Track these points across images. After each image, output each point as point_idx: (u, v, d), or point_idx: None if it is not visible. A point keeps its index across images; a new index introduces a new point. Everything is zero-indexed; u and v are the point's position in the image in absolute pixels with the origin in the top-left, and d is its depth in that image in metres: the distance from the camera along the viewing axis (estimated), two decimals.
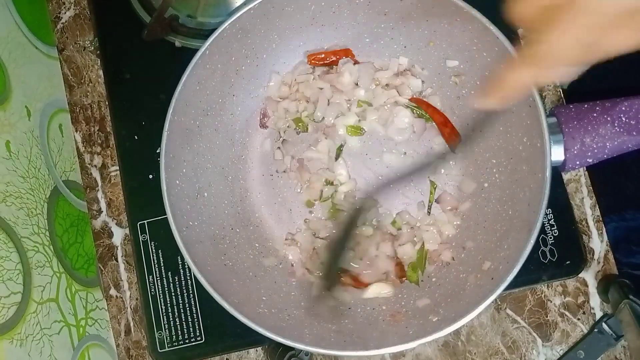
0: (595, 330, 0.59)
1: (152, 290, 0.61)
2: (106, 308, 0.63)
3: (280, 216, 0.60)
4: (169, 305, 0.61)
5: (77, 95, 0.67)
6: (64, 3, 0.70)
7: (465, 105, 0.58)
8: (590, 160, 0.52)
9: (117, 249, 0.64)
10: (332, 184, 0.60)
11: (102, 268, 0.64)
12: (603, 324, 0.58)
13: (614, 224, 0.64)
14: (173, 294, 0.61)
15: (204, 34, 0.63)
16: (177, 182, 0.53)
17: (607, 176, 0.64)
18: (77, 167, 0.66)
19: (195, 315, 0.60)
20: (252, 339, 0.59)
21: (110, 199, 0.65)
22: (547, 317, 0.60)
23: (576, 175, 0.63)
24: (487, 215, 0.55)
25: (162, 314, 0.61)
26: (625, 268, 0.62)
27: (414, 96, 0.60)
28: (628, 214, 0.66)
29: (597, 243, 0.61)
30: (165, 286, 0.61)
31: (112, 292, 0.63)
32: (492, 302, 0.48)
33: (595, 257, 0.61)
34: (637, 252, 0.64)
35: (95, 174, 0.66)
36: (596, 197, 0.62)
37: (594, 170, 0.63)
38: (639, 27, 0.30)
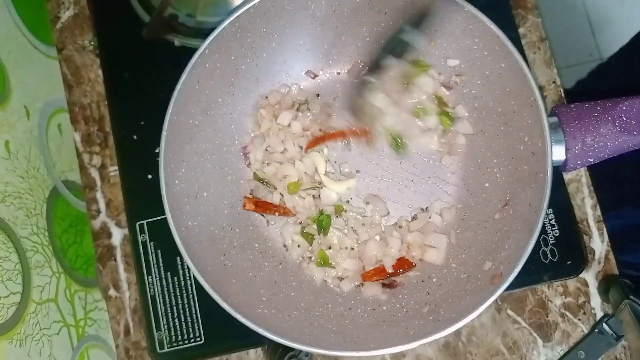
0: (596, 330, 0.59)
1: (152, 290, 0.61)
2: (105, 308, 0.63)
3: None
4: (168, 305, 0.61)
5: (76, 95, 0.67)
6: (63, 3, 0.69)
7: (466, 105, 0.58)
8: (592, 160, 0.52)
9: (116, 249, 0.64)
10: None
11: (101, 268, 0.64)
12: (603, 324, 0.58)
13: (610, 222, 0.64)
14: (172, 294, 0.61)
15: (204, 33, 0.63)
16: (177, 182, 0.53)
17: (604, 174, 0.64)
18: (76, 167, 0.66)
19: (194, 315, 0.60)
20: (252, 339, 0.59)
21: (109, 199, 0.65)
22: (547, 317, 0.60)
23: (577, 175, 0.62)
24: (488, 215, 0.55)
25: (162, 314, 0.60)
26: (621, 265, 0.62)
27: None
28: (625, 211, 0.66)
29: (598, 243, 0.61)
30: (165, 286, 0.61)
31: (112, 292, 0.63)
32: (493, 302, 0.47)
33: (596, 257, 0.61)
34: (632, 249, 0.64)
35: (95, 174, 0.66)
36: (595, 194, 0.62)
37: (591, 168, 0.63)
38: None
